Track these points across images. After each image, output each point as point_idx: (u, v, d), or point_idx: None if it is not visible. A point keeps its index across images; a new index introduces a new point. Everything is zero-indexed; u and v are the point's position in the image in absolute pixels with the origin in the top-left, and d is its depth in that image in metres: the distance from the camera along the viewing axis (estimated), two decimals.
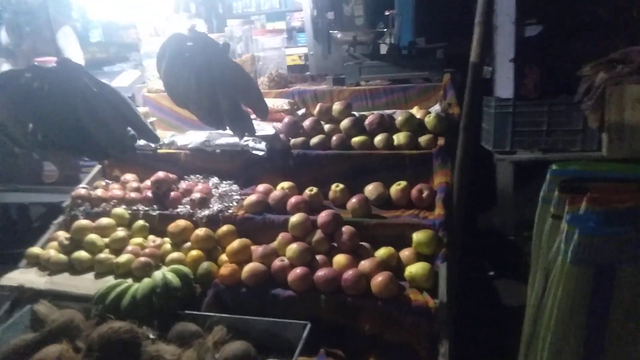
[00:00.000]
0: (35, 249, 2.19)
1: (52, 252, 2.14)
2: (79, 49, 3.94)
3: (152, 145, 2.50)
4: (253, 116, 2.16)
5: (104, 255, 2.10)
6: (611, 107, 3.12)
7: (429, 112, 2.33)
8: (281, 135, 2.38)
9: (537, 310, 1.19)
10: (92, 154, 1.46)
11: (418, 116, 2.35)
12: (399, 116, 2.32)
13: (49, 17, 3.85)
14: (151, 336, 1.69)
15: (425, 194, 2.12)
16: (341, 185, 2.23)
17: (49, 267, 2.12)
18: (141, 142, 2.33)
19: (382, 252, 1.97)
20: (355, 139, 2.31)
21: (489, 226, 3.70)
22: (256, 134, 2.33)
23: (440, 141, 2.22)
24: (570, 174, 1.11)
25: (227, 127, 1.52)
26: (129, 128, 1.47)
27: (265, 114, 1.57)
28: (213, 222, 2.18)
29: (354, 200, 2.11)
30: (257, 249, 2.01)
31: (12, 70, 1.37)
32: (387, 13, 3.33)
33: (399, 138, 2.26)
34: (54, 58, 3.60)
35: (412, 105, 2.54)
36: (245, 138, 2.34)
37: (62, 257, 2.12)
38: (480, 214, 3.82)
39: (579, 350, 1.05)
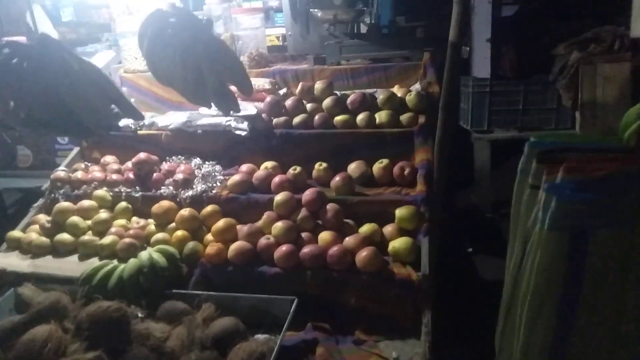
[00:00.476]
0: (16, 233, 2.15)
1: (33, 235, 2.12)
2: (52, 28, 3.81)
3: (132, 125, 2.47)
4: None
5: (88, 237, 2.09)
6: (584, 86, 3.21)
7: (410, 91, 2.36)
8: (263, 115, 2.38)
9: (515, 278, 1.25)
10: (77, 132, 1.44)
11: (399, 95, 2.38)
12: (381, 95, 2.34)
13: None
14: (140, 315, 1.70)
15: (406, 171, 2.16)
16: (324, 164, 2.26)
17: (31, 250, 2.09)
18: (125, 121, 2.31)
19: (365, 228, 2.01)
20: (338, 118, 2.32)
21: (467, 204, 3.80)
22: (239, 114, 2.33)
23: (421, 119, 2.26)
24: (547, 145, 1.15)
25: (213, 105, 1.51)
26: (113, 106, 1.46)
27: (250, 91, 1.57)
28: (197, 202, 2.18)
29: (337, 178, 2.14)
30: (243, 228, 2.03)
31: None
32: None
33: (381, 117, 2.29)
34: (23, 38, 3.51)
35: (393, 84, 2.56)
36: (227, 118, 2.33)
37: (45, 240, 2.10)
38: (459, 192, 3.91)
39: (553, 315, 1.10)
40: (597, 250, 1.03)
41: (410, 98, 2.30)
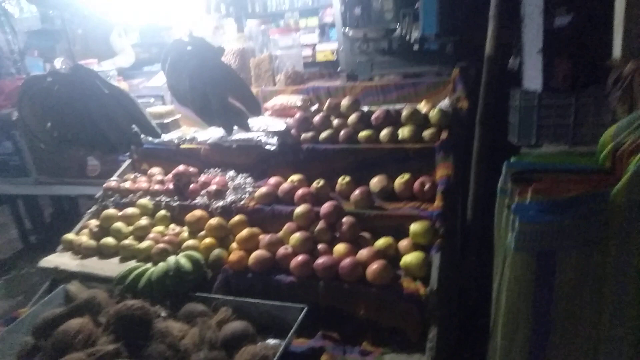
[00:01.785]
0: (70, 235, 2.44)
1: (83, 238, 2.39)
2: (131, 48, 4.23)
3: (177, 140, 2.69)
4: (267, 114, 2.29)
5: (128, 241, 2.31)
6: (639, 98, 3.00)
7: (434, 107, 2.37)
8: (292, 131, 2.50)
9: (498, 296, 1.25)
10: (104, 148, 1.64)
11: (424, 111, 2.39)
12: (404, 111, 2.37)
13: (98, 20, 4.18)
14: (162, 314, 1.86)
15: (427, 186, 2.17)
16: (348, 178, 2.33)
17: (80, 251, 2.36)
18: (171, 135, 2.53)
19: (381, 242, 2.05)
20: (362, 134, 2.39)
21: None
22: (268, 130, 2.47)
23: (443, 135, 2.26)
24: (523, 166, 1.15)
25: (218, 124, 1.65)
26: (134, 125, 1.64)
27: (257, 110, 1.69)
28: (227, 212, 2.34)
29: (357, 192, 2.20)
30: (264, 238, 2.15)
31: (36, 76, 1.57)
32: (416, 7, 3.34)
33: (404, 132, 2.32)
34: (95, 60, 3.93)
35: (422, 100, 2.57)
36: (259, 133, 2.48)
37: (92, 242, 2.36)
38: None
39: (527, 334, 1.10)
40: (566, 272, 1.02)
41: (433, 114, 2.31)
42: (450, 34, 2.88)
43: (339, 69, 3.50)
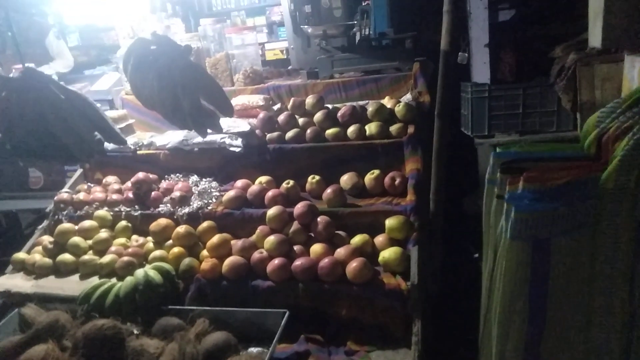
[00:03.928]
0: (21, 254, 2.24)
1: (37, 257, 2.20)
2: (69, 52, 3.96)
3: (132, 146, 2.55)
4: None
5: (88, 256, 2.16)
6: (582, 87, 3.18)
7: (399, 102, 2.39)
8: (257, 131, 2.43)
9: (489, 288, 1.26)
10: (62, 158, 1.52)
11: (389, 106, 2.40)
12: (370, 107, 2.37)
13: (31, 21, 3.88)
14: (135, 332, 1.75)
15: (397, 181, 2.19)
16: (317, 177, 2.30)
17: (34, 271, 2.17)
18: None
19: (357, 239, 2.04)
20: (329, 131, 2.36)
21: (474, 209, 3.77)
22: (232, 131, 2.39)
23: (410, 129, 2.28)
24: (510, 155, 1.17)
25: (191, 126, 1.57)
26: (96, 132, 1.52)
27: (229, 111, 1.62)
28: (194, 219, 2.24)
29: (329, 190, 2.18)
30: (237, 243, 2.08)
31: None
32: (363, 4, 3.36)
33: (371, 128, 2.32)
34: (31, 65, 3.65)
35: (384, 95, 2.59)
36: (222, 135, 2.39)
37: (47, 260, 2.18)
38: (466, 197, 3.89)
39: (524, 320, 1.12)
40: (560, 257, 1.05)
41: (399, 109, 2.33)
42: (408, 30, 2.92)
43: (289, 67, 3.46)
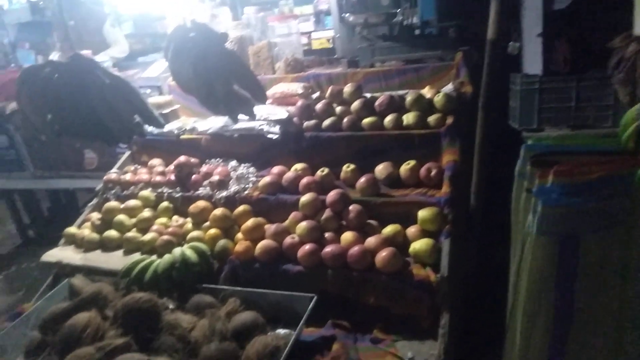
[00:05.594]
0: (72, 229, 2.40)
1: (86, 232, 2.35)
2: (124, 39, 4.15)
3: (176, 131, 2.65)
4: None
5: (131, 234, 2.28)
6: None
7: (439, 92, 2.34)
8: (294, 119, 2.46)
9: (515, 284, 1.23)
10: (104, 139, 1.60)
11: (428, 96, 2.36)
12: (408, 96, 2.34)
13: (90, 10, 4.11)
14: (170, 306, 1.85)
15: (433, 172, 2.15)
16: (352, 166, 2.30)
17: (83, 245, 2.32)
18: (170, 126, 2.51)
19: (389, 229, 2.03)
20: (366, 120, 2.36)
21: None
22: (270, 119, 2.44)
23: (449, 120, 2.23)
24: (542, 148, 1.13)
25: (223, 111, 1.62)
26: (136, 116, 1.60)
27: (262, 97, 1.66)
28: (230, 202, 2.31)
29: (362, 179, 2.18)
30: (270, 227, 2.13)
31: (33, 66, 1.52)
32: None
33: (408, 118, 2.29)
34: (89, 52, 3.86)
35: (425, 85, 2.54)
36: (260, 122, 2.45)
37: (95, 235, 2.32)
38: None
39: (550, 318, 1.09)
40: (589, 255, 1.01)
41: (438, 99, 2.29)
42: (452, 19, 2.84)
43: (335, 56, 3.45)
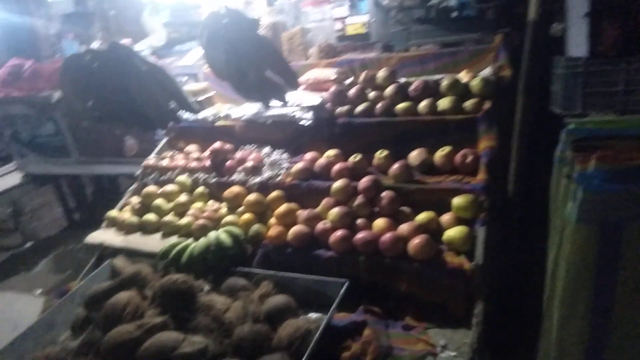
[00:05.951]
0: (113, 212, 2.50)
1: (126, 215, 2.44)
2: (162, 28, 4.24)
3: (211, 117, 2.70)
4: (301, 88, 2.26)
5: (169, 217, 2.35)
6: None
7: (476, 76, 2.27)
8: (327, 105, 2.45)
9: (552, 274, 1.20)
10: (141, 125, 1.65)
11: (465, 80, 2.30)
12: (444, 81, 2.29)
13: (129, 0, 4.22)
14: (205, 288, 1.90)
15: (469, 159, 2.10)
16: (385, 152, 2.28)
17: (124, 227, 2.41)
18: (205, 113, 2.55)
19: (422, 216, 2.01)
20: (399, 106, 2.32)
21: None
22: (302, 105, 2.44)
23: (486, 105, 2.17)
24: (584, 132, 1.08)
25: (256, 97, 1.63)
26: (171, 102, 1.64)
27: (294, 83, 1.66)
28: (264, 188, 2.34)
29: (395, 166, 2.16)
30: (302, 213, 2.14)
31: (75, 54, 1.58)
32: None
33: (444, 103, 2.24)
34: (130, 40, 3.97)
35: (462, 69, 2.47)
36: (293, 108, 2.45)
37: (135, 219, 2.41)
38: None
39: (588, 309, 1.05)
40: (633, 243, 0.96)
41: (475, 84, 2.22)
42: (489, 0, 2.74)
43: (369, 42, 3.40)
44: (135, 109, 1.53)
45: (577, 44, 3.19)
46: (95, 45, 4.35)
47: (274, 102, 1.84)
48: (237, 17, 1.53)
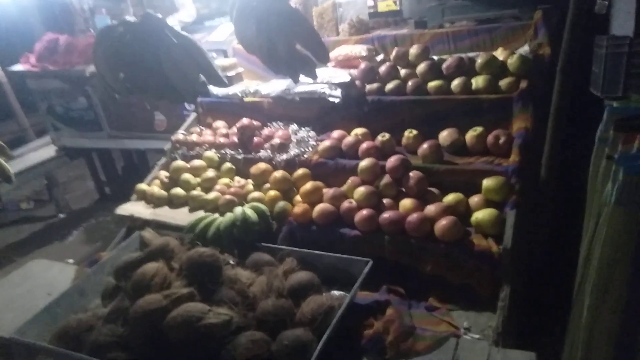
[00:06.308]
0: (143, 186, 2.54)
1: (155, 189, 2.48)
2: (192, 4, 4.24)
3: (240, 94, 2.69)
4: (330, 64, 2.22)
5: (196, 192, 2.38)
6: None
7: (513, 54, 2.18)
8: (357, 82, 2.41)
9: (587, 257, 1.15)
10: (171, 97, 1.66)
11: (501, 58, 2.21)
12: (479, 59, 2.21)
13: None
14: (231, 262, 1.92)
15: (502, 140, 2.04)
16: (414, 132, 2.23)
17: (152, 201, 2.46)
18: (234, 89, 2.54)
19: (450, 197, 1.97)
20: (431, 84, 2.26)
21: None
22: (332, 82, 2.40)
23: (522, 84, 2.09)
24: (629, 111, 1.03)
25: (285, 71, 1.61)
26: (201, 75, 1.63)
27: (325, 58, 1.62)
28: (290, 165, 2.34)
29: (425, 145, 2.11)
30: (328, 191, 2.13)
31: (108, 26, 1.59)
32: None
33: (478, 82, 2.16)
34: (160, 15, 3.98)
35: (498, 47, 2.38)
36: (322, 85, 2.42)
37: (163, 192, 2.45)
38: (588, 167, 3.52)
39: (623, 295, 1.01)
40: None
41: (512, 61, 2.14)
42: None
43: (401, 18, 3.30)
44: (166, 81, 1.54)
45: (623, 22, 3.02)
46: (127, 18, 4.41)
47: (303, 78, 1.82)
48: None
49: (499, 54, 2.27)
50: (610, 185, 0.96)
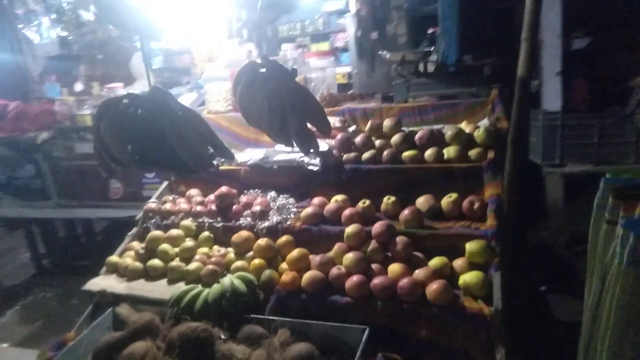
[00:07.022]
0: (114, 258, 2.40)
1: (129, 260, 2.35)
2: (150, 73, 4.25)
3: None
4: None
5: (176, 263, 2.28)
6: None
7: (478, 127, 2.41)
8: (334, 151, 2.51)
9: (594, 315, 1.24)
10: (179, 170, 1.64)
11: (467, 130, 2.43)
12: (449, 131, 2.40)
13: (119, 46, 4.26)
14: (222, 336, 1.83)
15: (476, 205, 2.18)
16: (393, 198, 2.33)
17: (126, 274, 2.32)
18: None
19: (435, 261, 2.04)
20: (406, 154, 2.41)
21: (538, 240, 3.67)
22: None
23: (491, 154, 2.29)
24: (623, 182, 1.17)
25: (295, 144, 1.67)
26: (209, 147, 1.65)
27: (328, 131, 1.71)
28: (273, 232, 2.33)
29: (406, 211, 2.21)
30: (315, 258, 2.14)
31: (112, 98, 1.58)
32: (430, 31, 3.43)
33: (449, 152, 2.34)
34: (120, 84, 3.97)
35: (460, 121, 2.61)
36: (301, 154, 2.49)
37: (138, 264, 2.32)
38: (529, 228, 3.79)
39: (638, 354, 1.09)
40: None
41: (479, 134, 2.35)
42: (481, 57, 2.95)
43: (350, 92, 3.54)
44: (173, 153, 1.53)
45: (552, 99, 3.46)
46: (77, 87, 4.33)
47: (279, 147, 1.88)
48: (275, 66, 1.58)
49: (464, 126, 2.49)
50: (618, 248, 1.08)
